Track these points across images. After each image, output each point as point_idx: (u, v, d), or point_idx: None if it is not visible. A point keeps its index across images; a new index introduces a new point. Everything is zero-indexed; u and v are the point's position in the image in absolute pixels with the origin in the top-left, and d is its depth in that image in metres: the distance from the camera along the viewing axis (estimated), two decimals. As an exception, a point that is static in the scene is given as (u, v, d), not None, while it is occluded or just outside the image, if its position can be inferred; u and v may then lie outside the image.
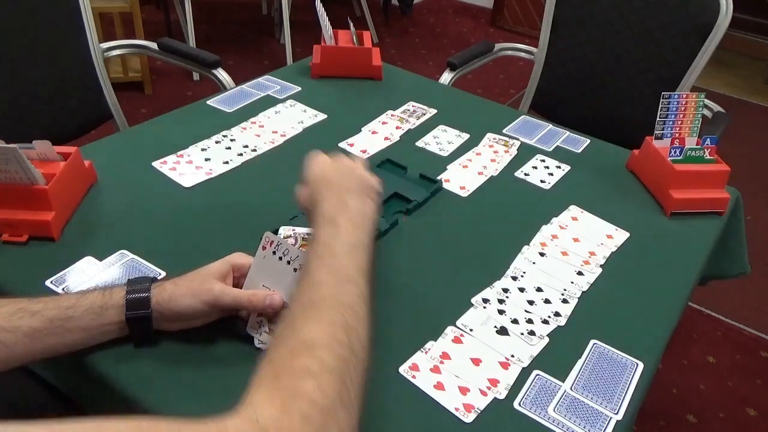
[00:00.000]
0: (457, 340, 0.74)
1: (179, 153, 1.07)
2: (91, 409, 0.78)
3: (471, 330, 0.76)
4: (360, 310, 0.56)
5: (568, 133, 1.25)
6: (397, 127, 1.21)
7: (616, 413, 0.67)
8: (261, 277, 0.70)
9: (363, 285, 0.59)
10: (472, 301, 0.80)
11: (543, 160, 1.15)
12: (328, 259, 0.60)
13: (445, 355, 0.72)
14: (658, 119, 1.05)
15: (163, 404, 0.65)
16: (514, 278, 0.85)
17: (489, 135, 1.21)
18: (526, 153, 1.16)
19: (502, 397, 0.68)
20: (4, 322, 0.61)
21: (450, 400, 0.67)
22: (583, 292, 0.84)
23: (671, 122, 1.05)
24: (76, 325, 0.65)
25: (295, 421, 0.45)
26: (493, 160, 1.13)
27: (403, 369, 0.70)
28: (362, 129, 1.20)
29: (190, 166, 1.03)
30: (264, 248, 0.69)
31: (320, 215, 0.66)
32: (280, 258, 0.68)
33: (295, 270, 0.67)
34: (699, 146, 1.02)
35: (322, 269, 0.59)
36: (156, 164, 1.04)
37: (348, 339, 0.52)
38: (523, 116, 1.30)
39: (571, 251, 0.92)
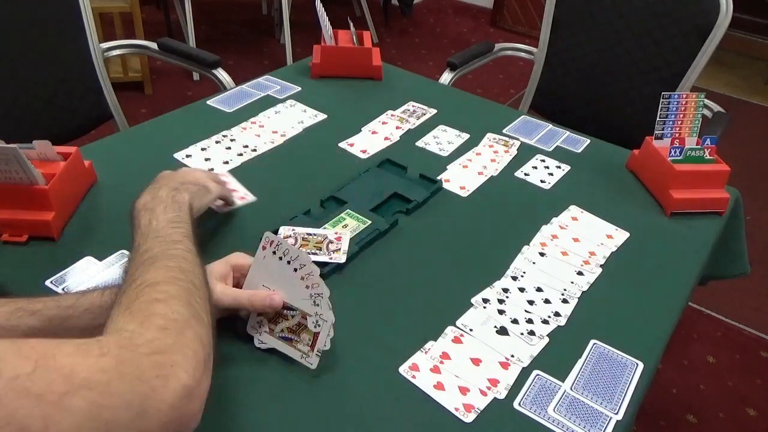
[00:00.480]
0: (457, 340, 0.74)
1: (179, 153, 1.07)
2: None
3: (471, 330, 0.76)
4: (191, 260, 0.61)
5: (568, 133, 1.25)
6: (397, 127, 1.21)
7: (616, 413, 0.67)
8: (261, 277, 0.70)
9: (190, 244, 0.64)
10: (472, 301, 0.80)
11: (543, 160, 1.15)
12: (152, 233, 0.65)
13: (445, 355, 0.72)
14: (658, 119, 1.05)
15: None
16: (514, 278, 0.85)
17: (489, 135, 1.21)
18: (526, 153, 1.16)
19: (502, 397, 0.68)
20: (3, 321, 0.61)
21: (450, 400, 0.67)
22: (583, 292, 0.84)
23: (671, 122, 1.05)
24: (75, 325, 0.64)
25: (153, 331, 0.49)
26: (493, 160, 1.13)
27: (403, 369, 0.70)
28: (362, 129, 1.20)
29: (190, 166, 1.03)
30: (264, 248, 0.69)
31: (138, 210, 0.71)
32: (280, 258, 0.68)
33: (295, 270, 0.67)
34: (699, 146, 1.02)
35: (148, 241, 0.63)
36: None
37: (185, 276, 0.58)
38: (523, 116, 1.30)
39: (571, 251, 0.92)
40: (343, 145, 1.14)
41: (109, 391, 0.42)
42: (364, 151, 1.13)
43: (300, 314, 0.68)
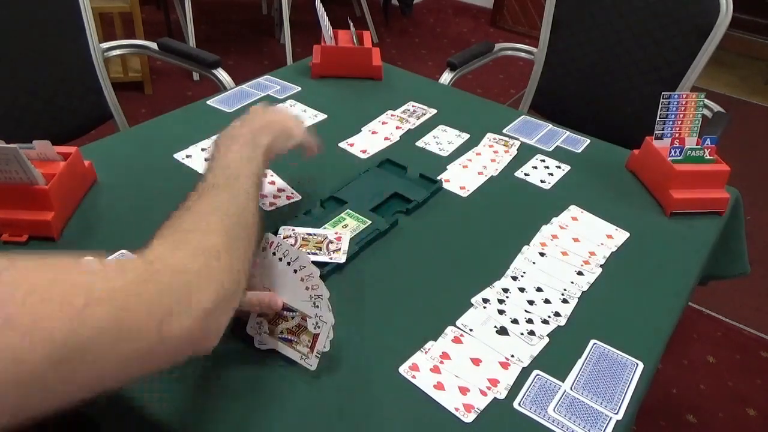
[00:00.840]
0: (457, 340, 0.74)
1: (179, 153, 1.07)
2: (90, 408, 0.78)
3: (471, 330, 0.76)
4: (247, 198, 0.64)
5: (568, 133, 1.25)
6: (397, 127, 1.21)
7: (616, 413, 0.67)
8: (261, 278, 0.70)
9: (251, 184, 0.66)
10: (472, 301, 0.80)
11: (543, 160, 1.15)
12: (222, 165, 0.67)
13: (445, 355, 0.72)
14: (658, 119, 1.05)
15: (163, 404, 0.65)
16: (514, 278, 0.85)
17: (489, 135, 1.21)
18: (526, 153, 1.16)
19: (502, 397, 0.68)
20: None
21: (450, 400, 0.67)
22: (583, 292, 0.84)
23: (671, 122, 1.05)
24: None
25: (182, 255, 0.51)
26: (493, 160, 1.13)
27: (403, 369, 0.70)
28: (362, 129, 1.20)
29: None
30: (264, 249, 0.69)
31: (218, 142, 0.73)
32: (281, 259, 0.68)
33: (295, 271, 0.67)
34: (699, 146, 1.02)
35: (215, 171, 0.66)
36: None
37: (235, 211, 0.60)
38: (523, 116, 1.30)
39: (571, 251, 0.92)
40: (343, 145, 1.14)
41: (128, 306, 0.42)
42: (364, 151, 1.13)
43: (300, 315, 0.68)
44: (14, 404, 0.36)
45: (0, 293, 0.36)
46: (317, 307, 0.66)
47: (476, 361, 0.72)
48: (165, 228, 0.55)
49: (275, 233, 0.86)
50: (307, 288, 0.66)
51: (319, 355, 0.67)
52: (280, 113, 0.85)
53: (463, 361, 0.71)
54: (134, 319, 0.43)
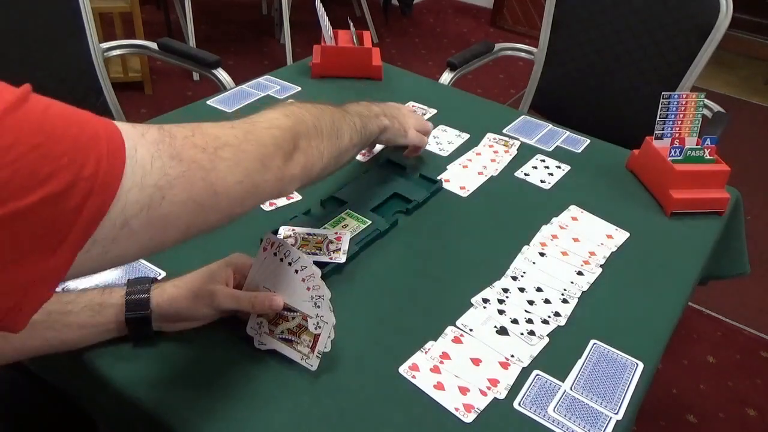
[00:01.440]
0: (457, 340, 0.74)
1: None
2: (91, 408, 0.78)
3: (471, 330, 0.76)
4: (354, 128, 0.77)
5: (568, 133, 1.25)
6: (397, 127, 1.21)
7: (616, 413, 0.67)
8: (262, 279, 0.70)
9: (359, 127, 0.79)
10: (472, 301, 0.80)
11: (543, 160, 1.15)
12: (342, 109, 0.78)
13: (445, 355, 0.72)
14: (658, 119, 1.05)
15: (163, 404, 0.65)
16: (514, 278, 0.85)
17: (489, 135, 1.21)
18: (526, 153, 1.16)
19: (502, 397, 0.68)
20: None
21: (450, 400, 0.67)
22: (583, 292, 0.84)
23: (671, 122, 1.05)
24: (74, 321, 0.65)
25: (279, 115, 0.63)
26: (493, 160, 1.13)
27: (403, 369, 0.70)
28: (362, 129, 1.20)
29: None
30: (265, 249, 0.69)
31: (349, 103, 0.85)
32: (281, 259, 0.68)
33: (296, 272, 0.67)
34: (699, 146, 1.02)
35: (335, 108, 0.76)
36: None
37: (340, 125, 0.73)
38: (523, 116, 1.30)
39: (571, 251, 0.92)
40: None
41: (241, 147, 0.53)
42: (364, 154, 1.12)
43: (300, 316, 0.68)
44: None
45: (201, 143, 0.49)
46: (318, 307, 0.66)
47: (476, 361, 0.72)
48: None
49: (275, 233, 0.86)
50: (308, 288, 0.66)
51: (320, 356, 0.67)
52: (412, 115, 1.01)
53: (463, 361, 0.71)
54: (249, 158, 0.54)
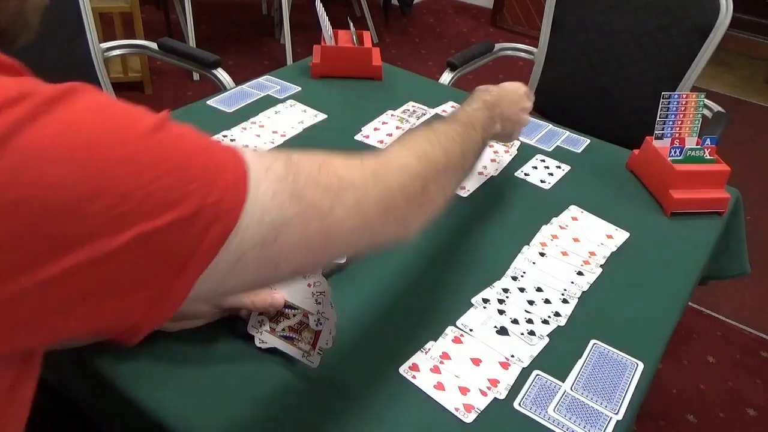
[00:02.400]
0: (457, 340, 0.74)
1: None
2: (91, 409, 0.78)
3: (471, 330, 0.76)
4: (469, 149, 0.71)
5: (568, 133, 1.25)
6: (397, 127, 1.21)
7: (616, 413, 0.67)
8: None
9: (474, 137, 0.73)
10: (472, 301, 0.80)
11: (543, 160, 1.15)
12: (456, 117, 0.74)
13: (445, 355, 0.72)
14: (658, 119, 1.05)
15: (163, 404, 0.65)
16: (514, 278, 0.85)
17: (489, 135, 1.21)
18: (526, 153, 1.16)
19: (502, 397, 0.68)
20: None
21: (450, 400, 0.67)
22: (583, 292, 0.84)
23: (671, 122, 1.05)
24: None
25: (411, 158, 0.58)
26: (493, 160, 1.13)
27: (403, 369, 0.70)
28: (362, 129, 1.20)
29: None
30: None
31: (467, 112, 0.78)
32: None
33: (303, 276, 0.67)
34: (699, 146, 1.02)
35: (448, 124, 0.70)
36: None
37: (463, 158, 0.68)
38: (523, 116, 1.30)
39: (571, 251, 0.92)
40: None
41: (366, 191, 0.51)
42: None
43: (302, 313, 0.68)
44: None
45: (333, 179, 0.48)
46: (319, 303, 0.66)
47: (476, 361, 0.72)
48: (403, 136, 0.62)
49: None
50: (309, 285, 0.66)
51: (321, 352, 0.67)
52: (526, 115, 0.96)
53: (464, 361, 0.71)
54: (370, 203, 0.51)
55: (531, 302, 0.81)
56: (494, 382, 0.69)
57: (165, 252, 0.37)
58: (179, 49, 1.55)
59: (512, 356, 0.73)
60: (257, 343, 0.70)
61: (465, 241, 0.93)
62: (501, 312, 0.79)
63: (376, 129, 1.20)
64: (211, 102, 1.26)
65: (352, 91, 1.35)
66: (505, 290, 0.83)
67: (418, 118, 1.25)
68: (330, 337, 0.66)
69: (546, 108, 1.75)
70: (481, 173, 1.09)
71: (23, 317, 0.34)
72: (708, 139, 1.02)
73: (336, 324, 0.66)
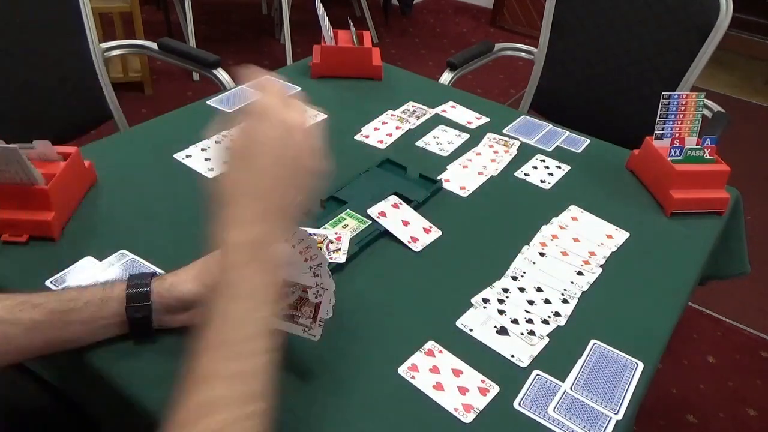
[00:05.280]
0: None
1: (179, 153, 1.07)
2: (91, 408, 0.78)
3: (471, 330, 0.76)
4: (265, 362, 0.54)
5: (568, 133, 1.25)
6: (397, 127, 1.21)
7: (616, 413, 0.67)
8: None
9: (268, 341, 0.53)
10: (472, 301, 0.80)
11: (543, 160, 1.15)
12: (234, 301, 0.52)
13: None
14: (658, 119, 1.05)
15: (163, 404, 0.64)
16: (514, 278, 0.85)
17: (489, 135, 1.21)
18: (526, 153, 1.16)
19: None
20: (6, 314, 0.62)
21: (449, 400, 0.67)
22: (583, 292, 0.84)
23: (671, 122, 1.05)
24: (76, 318, 0.65)
25: None
26: (493, 160, 1.13)
27: (403, 369, 0.70)
28: (362, 129, 1.20)
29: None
30: None
31: (227, 254, 0.54)
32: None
33: (293, 246, 0.66)
34: (699, 146, 1.02)
35: (228, 309, 0.52)
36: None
37: (251, 393, 0.53)
38: (523, 116, 1.30)
39: (571, 251, 0.92)
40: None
41: None
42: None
43: (300, 288, 0.67)
44: None
45: None
46: (317, 275, 0.65)
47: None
48: (179, 419, 0.51)
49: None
50: (306, 260, 0.65)
51: (322, 324, 0.66)
52: (306, 155, 0.60)
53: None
54: None
55: (531, 302, 0.81)
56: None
57: None
58: (179, 49, 1.55)
59: (512, 356, 0.73)
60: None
61: (465, 241, 0.93)
62: (501, 312, 0.79)
63: (376, 129, 1.20)
64: (211, 102, 1.26)
65: (351, 91, 1.35)
66: (505, 290, 0.83)
67: (418, 118, 1.25)
68: (330, 307, 0.65)
69: (546, 108, 1.75)
70: (481, 173, 1.09)
71: None
72: (708, 139, 1.02)
73: (335, 292, 0.65)
